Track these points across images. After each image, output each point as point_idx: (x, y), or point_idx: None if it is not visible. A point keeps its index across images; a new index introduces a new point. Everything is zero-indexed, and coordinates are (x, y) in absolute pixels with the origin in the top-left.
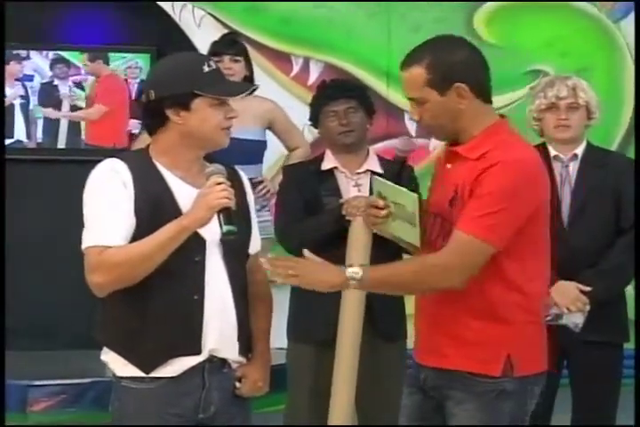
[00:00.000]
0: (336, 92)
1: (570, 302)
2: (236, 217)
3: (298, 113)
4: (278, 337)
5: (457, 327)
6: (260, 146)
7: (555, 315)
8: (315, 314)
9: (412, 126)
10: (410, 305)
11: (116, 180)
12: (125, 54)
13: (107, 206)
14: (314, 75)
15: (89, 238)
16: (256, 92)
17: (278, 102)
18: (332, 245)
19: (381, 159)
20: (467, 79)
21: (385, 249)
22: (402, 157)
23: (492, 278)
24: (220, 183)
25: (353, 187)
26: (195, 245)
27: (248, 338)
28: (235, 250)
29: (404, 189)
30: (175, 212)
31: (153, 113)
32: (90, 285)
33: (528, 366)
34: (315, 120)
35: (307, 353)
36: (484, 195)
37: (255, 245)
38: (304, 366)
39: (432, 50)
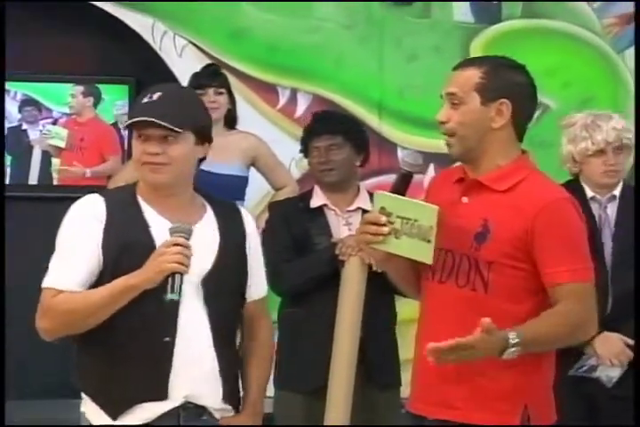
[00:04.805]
0: (319, 128)
1: (614, 355)
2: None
3: (284, 147)
4: None
5: (474, 377)
6: (241, 182)
7: (591, 366)
8: (304, 361)
9: None
10: (405, 351)
11: (88, 217)
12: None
13: (71, 247)
14: (301, 107)
15: (48, 278)
16: (239, 126)
17: (264, 136)
18: (325, 287)
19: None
20: (514, 101)
21: (377, 287)
22: (408, 172)
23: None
24: (177, 244)
25: (344, 225)
26: None
27: (233, 384)
28: (221, 292)
29: (421, 202)
30: (151, 247)
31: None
32: (37, 328)
33: (543, 418)
34: (306, 155)
35: (295, 402)
36: (560, 240)
37: (258, 290)
38: (293, 416)
39: (496, 62)
